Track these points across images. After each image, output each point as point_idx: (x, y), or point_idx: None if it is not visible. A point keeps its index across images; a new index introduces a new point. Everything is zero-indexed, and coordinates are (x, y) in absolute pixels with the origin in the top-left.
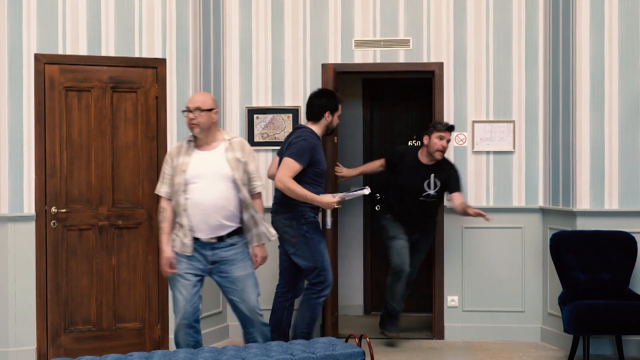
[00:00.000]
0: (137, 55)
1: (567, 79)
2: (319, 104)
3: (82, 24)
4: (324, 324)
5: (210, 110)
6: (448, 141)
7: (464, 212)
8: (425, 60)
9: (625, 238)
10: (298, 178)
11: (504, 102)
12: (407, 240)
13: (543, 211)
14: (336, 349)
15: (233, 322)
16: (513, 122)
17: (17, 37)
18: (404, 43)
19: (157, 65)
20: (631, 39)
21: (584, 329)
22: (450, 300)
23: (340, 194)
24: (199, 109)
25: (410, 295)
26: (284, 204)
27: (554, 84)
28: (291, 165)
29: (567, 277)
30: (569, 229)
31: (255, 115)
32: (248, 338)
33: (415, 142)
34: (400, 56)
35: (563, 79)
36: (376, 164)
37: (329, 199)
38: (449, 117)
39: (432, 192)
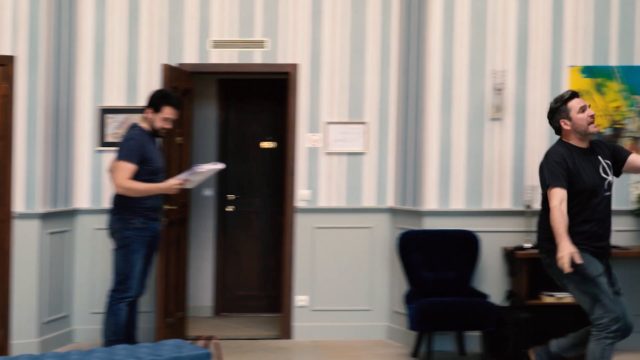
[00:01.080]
0: None
1: (418, 82)
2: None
3: None
4: (157, 328)
5: None
6: (589, 106)
7: None
8: (281, 61)
9: (469, 237)
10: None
11: (357, 104)
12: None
13: (392, 211)
14: (183, 351)
15: (80, 327)
16: (366, 123)
17: None
18: (260, 44)
19: (6, 63)
20: (480, 45)
21: (427, 325)
22: (300, 300)
23: (184, 174)
24: None
25: (260, 296)
26: (117, 205)
27: (406, 87)
28: (125, 167)
29: (413, 275)
30: (417, 228)
31: (107, 115)
32: None
33: (270, 143)
34: (257, 57)
35: (415, 82)
36: (562, 212)
37: (171, 182)
38: (305, 118)
39: (610, 177)
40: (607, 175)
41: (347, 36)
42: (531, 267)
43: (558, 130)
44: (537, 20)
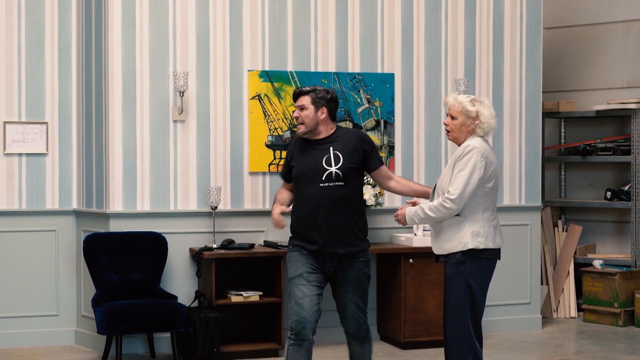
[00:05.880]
0: None
1: (99, 82)
2: None
3: None
4: None
5: None
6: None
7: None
8: None
9: (156, 238)
10: None
11: (36, 103)
12: (317, 281)
13: (77, 213)
14: None
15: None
16: (46, 123)
17: None
18: None
19: None
20: (161, 46)
21: (116, 329)
22: None
23: None
24: None
25: None
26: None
27: (87, 87)
28: None
29: (100, 278)
30: (103, 230)
31: None
32: None
33: None
34: None
35: (96, 82)
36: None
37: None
38: None
39: (334, 168)
40: (332, 165)
41: (24, 32)
42: (218, 267)
43: None
44: (217, 25)
